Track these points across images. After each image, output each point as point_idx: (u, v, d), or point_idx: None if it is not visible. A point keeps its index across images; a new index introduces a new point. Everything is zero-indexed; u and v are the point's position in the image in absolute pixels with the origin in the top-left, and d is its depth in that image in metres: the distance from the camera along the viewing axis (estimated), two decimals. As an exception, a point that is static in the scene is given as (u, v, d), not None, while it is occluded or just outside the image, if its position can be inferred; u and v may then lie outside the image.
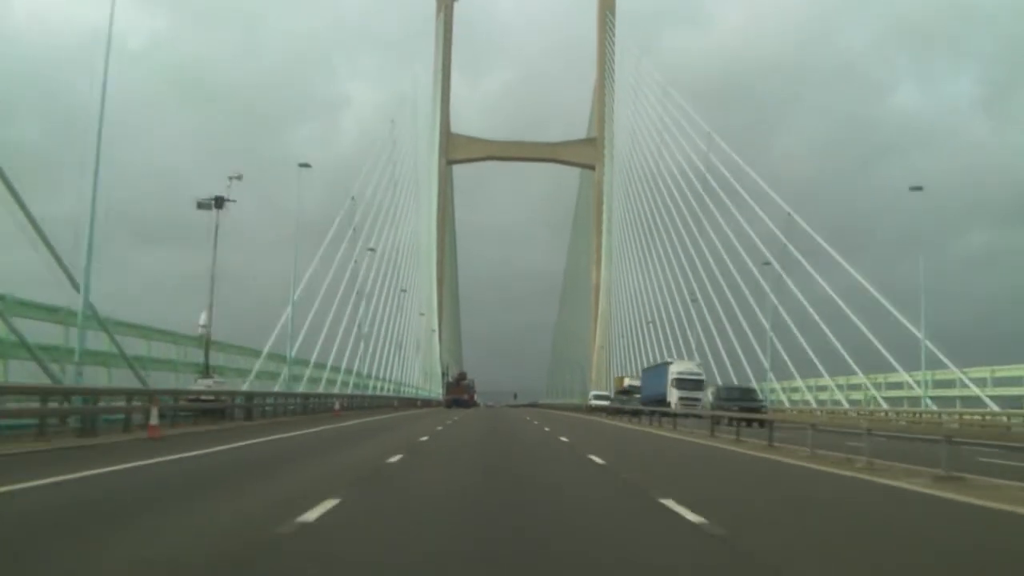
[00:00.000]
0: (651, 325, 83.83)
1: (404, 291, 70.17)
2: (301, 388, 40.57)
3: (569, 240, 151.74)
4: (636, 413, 39.30)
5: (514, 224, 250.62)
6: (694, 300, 70.92)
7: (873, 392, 44.10)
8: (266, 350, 37.34)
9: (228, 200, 29.00)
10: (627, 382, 69.39)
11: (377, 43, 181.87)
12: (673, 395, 50.18)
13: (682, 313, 75.38)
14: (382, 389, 64.92)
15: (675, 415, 33.19)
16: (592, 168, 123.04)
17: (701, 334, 69.67)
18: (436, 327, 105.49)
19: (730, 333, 64.01)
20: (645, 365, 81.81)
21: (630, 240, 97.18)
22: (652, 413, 38.11)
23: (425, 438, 21.70)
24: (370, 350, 59.06)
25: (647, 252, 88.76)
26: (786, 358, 53.21)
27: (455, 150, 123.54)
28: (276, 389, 36.73)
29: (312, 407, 37.29)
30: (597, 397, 72.16)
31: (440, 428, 28.28)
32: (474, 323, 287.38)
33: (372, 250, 55.62)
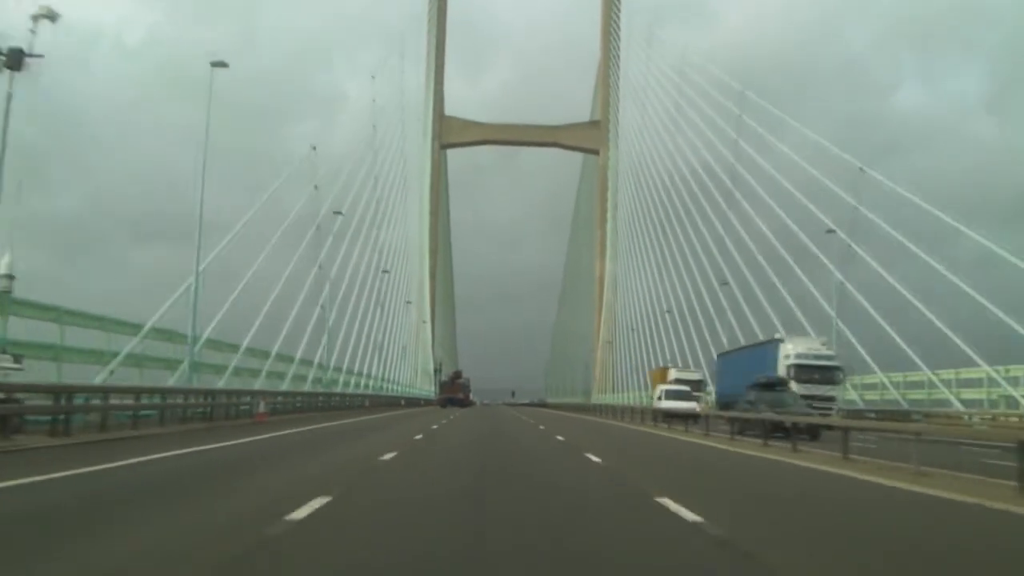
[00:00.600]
0: (668, 315, 71.00)
1: (387, 272, 56.98)
2: (221, 384, 27.42)
3: (569, 233, 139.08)
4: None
5: (511, 222, 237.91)
6: (724, 284, 57.97)
7: (1008, 389, 30.93)
8: (150, 324, 23.87)
9: (32, 56, 15.68)
10: (674, 374, 52.46)
11: (374, 33, 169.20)
12: None
13: (707, 300, 62.44)
14: (358, 386, 51.72)
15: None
16: (596, 153, 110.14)
17: (734, 322, 56.80)
18: (427, 319, 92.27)
19: (774, 319, 51.20)
20: (667, 357, 68.76)
21: (639, 226, 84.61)
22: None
23: (320, 503, 8.32)
24: (340, 339, 45.92)
25: (660, 237, 75.93)
26: (859, 348, 40.28)
27: (449, 134, 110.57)
28: (171, 383, 23.61)
29: (224, 410, 24.10)
30: (676, 395, 39.77)
31: (389, 458, 15.02)
32: (470, 321, 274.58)
33: (339, 213, 42.33)
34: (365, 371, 53.92)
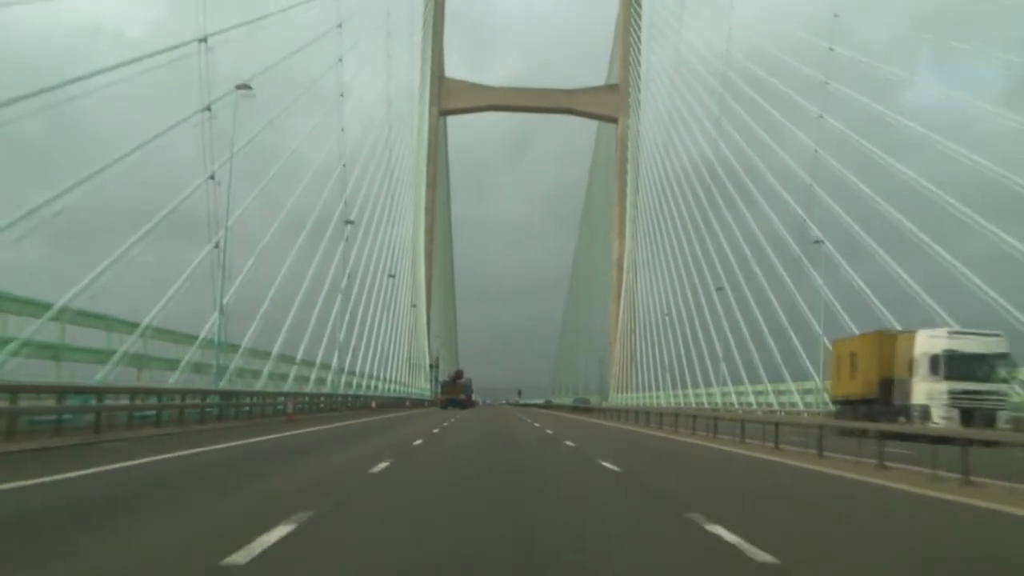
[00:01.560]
0: (720, 292, 53.29)
1: (351, 223, 39.20)
2: None
3: (580, 219, 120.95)
4: None
5: (515, 221, 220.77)
6: (817, 242, 40.18)
7: None
8: None
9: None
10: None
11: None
12: None
13: (781, 270, 44.75)
14: (304, 380, 34.14)
15: None
16: (614, 121, 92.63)
17: (830, 297, 39.07)
18: (422, 304, 74.78)
19: (912, 285, 33.53)
20: (723, 343, 51.09)
21: (670, 196, 67.29)
22: None
23: None
24: (266, 305, 28.32)
25: (704, 202, 58.45)
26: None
27: (450, 98, 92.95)
28: None
29: None
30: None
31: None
32: (472, 320, 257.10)
33: (246, 87, 24.29)
34: (319, 360, 36.23)
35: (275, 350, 29.35)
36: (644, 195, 79.10)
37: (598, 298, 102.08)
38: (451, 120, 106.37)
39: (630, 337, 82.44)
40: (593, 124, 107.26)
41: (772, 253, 45.73)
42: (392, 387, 57.39)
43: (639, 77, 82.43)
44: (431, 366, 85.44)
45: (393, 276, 51.76)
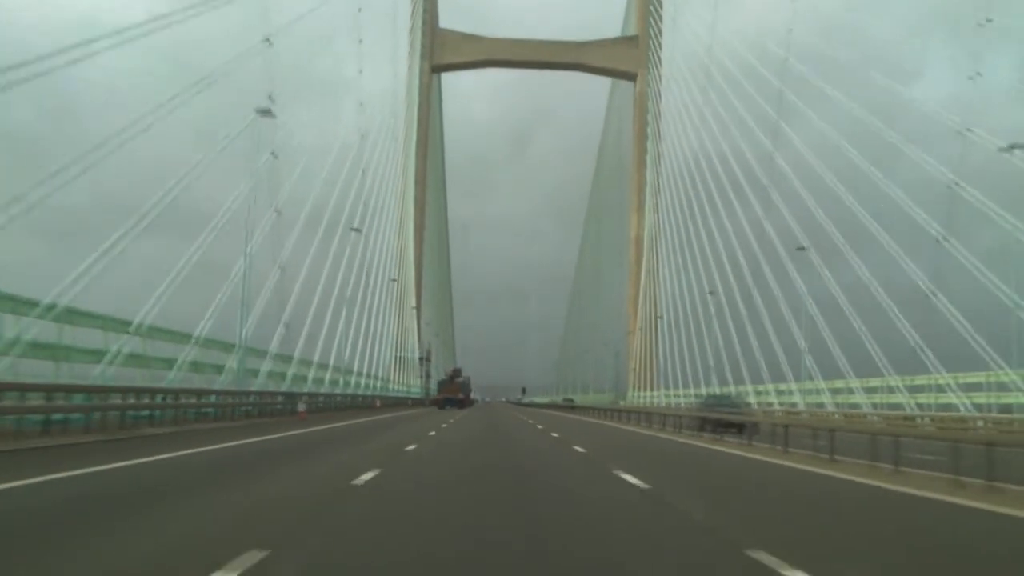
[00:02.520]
0: (802, 252, 37.90)
1: (267, 113, 23.65)
2: None
3: (588, 201, 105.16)
4: None
5: (516, 217, 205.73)
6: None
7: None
8: None
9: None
10: None
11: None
12: None
13: (926, 222, 29.45)
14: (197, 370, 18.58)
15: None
16: (632, 78, 77.37)
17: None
18: (410, 283, 59.55)
19: None
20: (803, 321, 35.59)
21: (712, 150, 52.22)
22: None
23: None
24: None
25: (762, 148, 43.33)
26: None
27: (443, 52, 77.82)
28: None
29: None
30: None
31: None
32: (470, 317, 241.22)
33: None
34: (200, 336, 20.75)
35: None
36: (669, 158, 64.04)
37: (610, 287, 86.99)
38: (450, 118, 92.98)
39: (653, 326, 67.40)
40: (603, 93, 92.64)
41: (903, 195, 30.52)
42: (365, 382, 42.03)
43: (660, 19, 67.55)
44: (421, 359, 70.39)
45: (359, 230, 36.42)
